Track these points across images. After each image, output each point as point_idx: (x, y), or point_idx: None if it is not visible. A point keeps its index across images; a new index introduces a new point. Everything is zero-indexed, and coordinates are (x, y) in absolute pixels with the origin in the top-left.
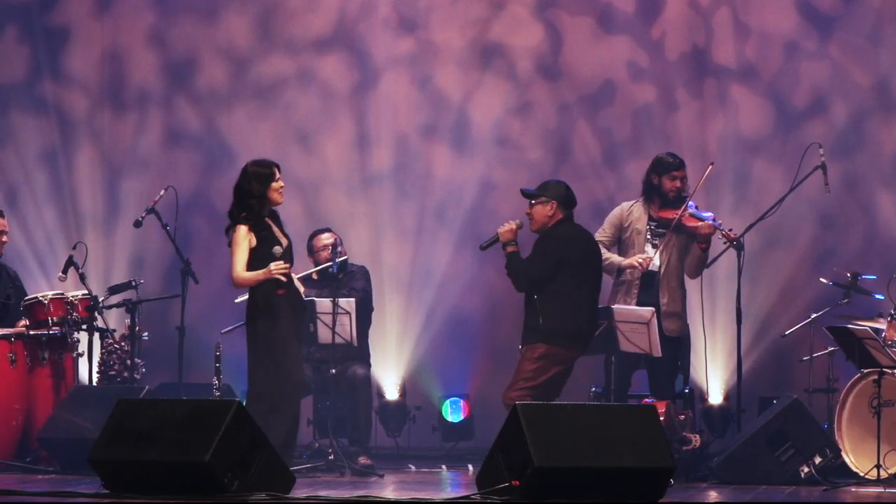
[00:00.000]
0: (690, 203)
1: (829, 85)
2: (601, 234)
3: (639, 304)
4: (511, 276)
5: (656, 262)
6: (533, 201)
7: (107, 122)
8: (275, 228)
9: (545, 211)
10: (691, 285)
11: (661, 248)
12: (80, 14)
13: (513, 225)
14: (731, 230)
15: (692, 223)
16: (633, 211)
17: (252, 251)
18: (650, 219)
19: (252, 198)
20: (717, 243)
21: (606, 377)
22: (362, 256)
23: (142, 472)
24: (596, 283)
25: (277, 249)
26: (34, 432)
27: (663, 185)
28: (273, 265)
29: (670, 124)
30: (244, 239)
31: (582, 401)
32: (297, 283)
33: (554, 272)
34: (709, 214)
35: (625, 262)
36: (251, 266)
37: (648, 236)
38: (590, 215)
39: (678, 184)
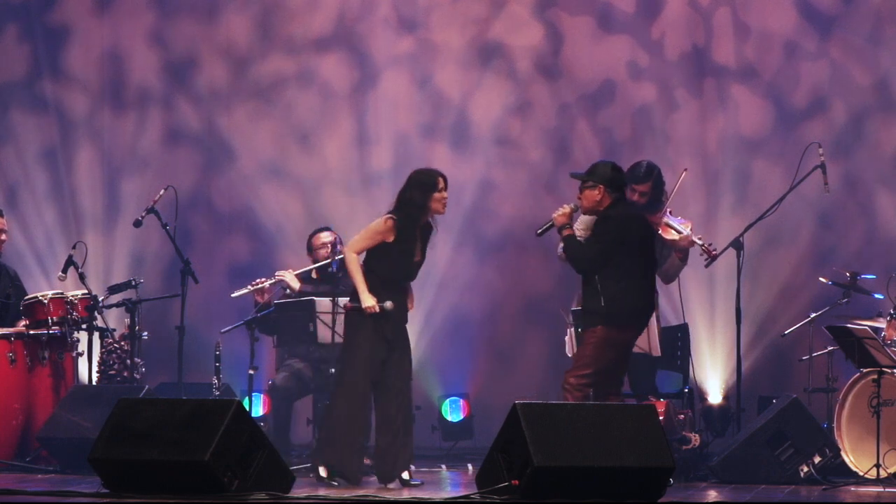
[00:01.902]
0: (667, 212)
1: (828, 85)
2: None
3: None
4: (570, 259)
5: None
6: (582, 185)
7: (107, 122)
8: (418, 242)
9: (593, 195)
10: (685, 285)
11: None
12: (81, 13)
13: (567, 209)
14: (710, 245)
15: (668, 234)
16: None
17: (384, 245)
18: None
19: (413, 206)
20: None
21: None
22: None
23: (142, 471)
24: (651, 263)
25: (389, 304)
26: (34, 432)
27: (627, 194)
28: (373, 305)
29: (670, 124)
30: (382, 232)
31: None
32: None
33: (613, 254)
34: (686, 224)
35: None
36: (382, 260)
37: None
38: None
39: (636, 197)
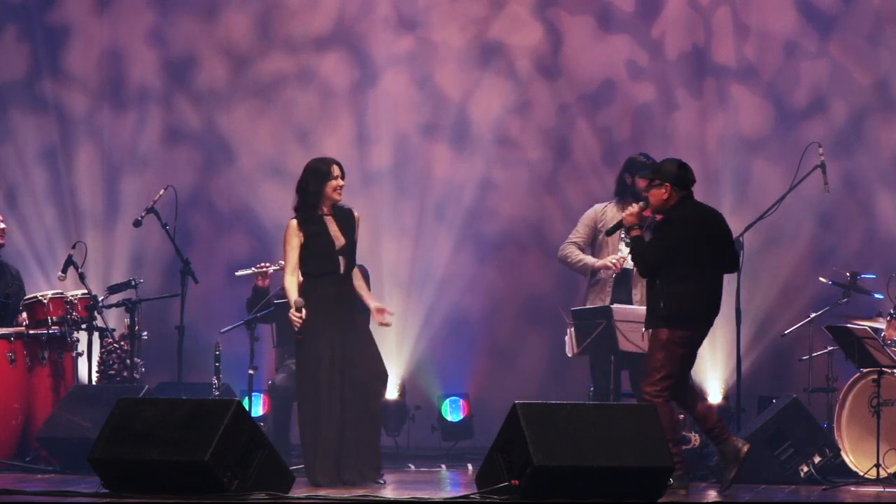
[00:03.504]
0: None
1: (828, 85)
2: (575, 235)
3: (612, 303)
4: (634, 260)
5: (630, 262)
6: (649, 184)
7: (106, 121)
8: (332, 227)
9: (660, 194)
10: None
11: None
12: (80, 12)
13: (635, 208)
14: None
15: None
16: (606, 212)
17: (304, 245)
18: None
19: (308, 194)
20: None
21: (602, 377)
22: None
23: (141, 471)
24: (716, 262)
25: (298, 301)
26: (34, 432)
27: (637, 185)
28: (292, 313)
29: (670, 124)
30: (293, 237)
31: (582, 401)
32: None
33: (672, 255)
34: None
35: (598, 263)
36: (305, 259)
37: (622, 235)
38: None
39: (644, 184)
